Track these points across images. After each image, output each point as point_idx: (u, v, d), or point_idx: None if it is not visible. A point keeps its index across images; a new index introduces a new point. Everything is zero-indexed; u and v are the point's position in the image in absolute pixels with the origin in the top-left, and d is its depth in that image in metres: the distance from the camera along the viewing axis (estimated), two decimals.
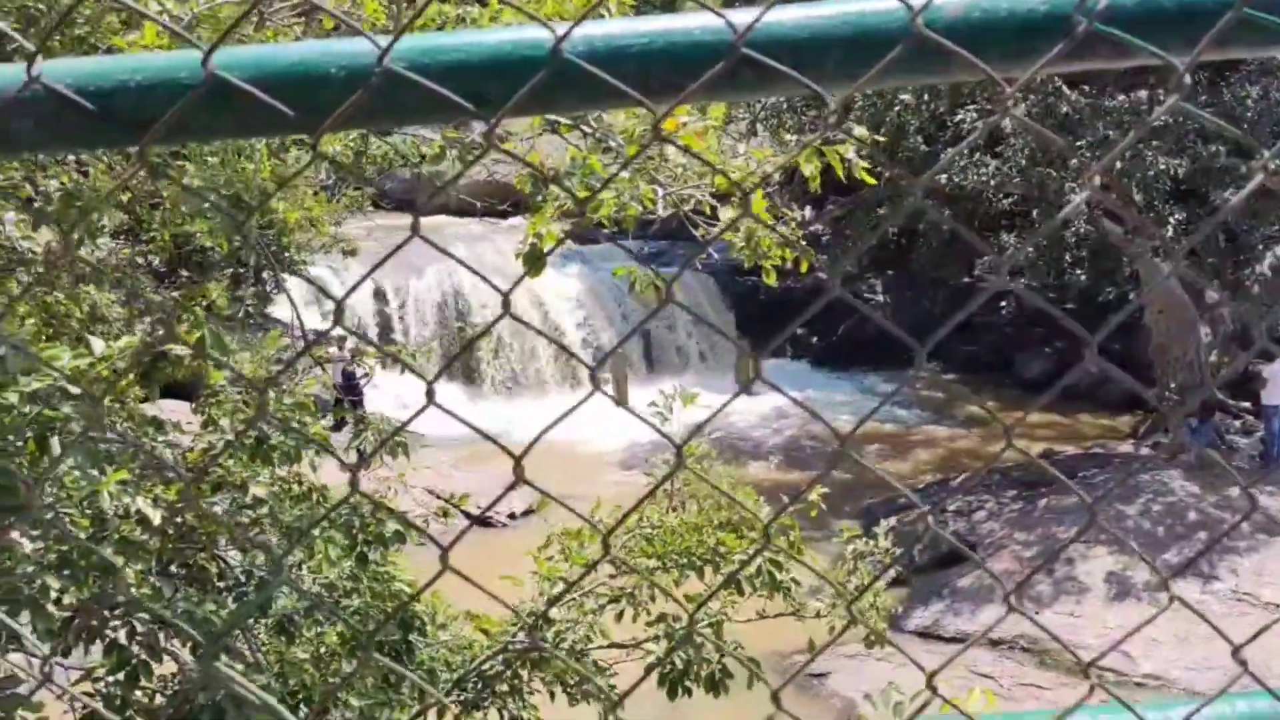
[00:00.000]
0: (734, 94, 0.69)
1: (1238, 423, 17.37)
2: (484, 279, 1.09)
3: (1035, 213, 17.32)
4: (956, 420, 18.92)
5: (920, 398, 19.85)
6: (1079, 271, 17.90)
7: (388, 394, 14.28)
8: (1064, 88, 15.37)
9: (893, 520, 9.94)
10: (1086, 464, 16.14)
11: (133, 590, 3.38)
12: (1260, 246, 17.25)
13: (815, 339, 21.32)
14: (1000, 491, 15.42)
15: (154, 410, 4.84)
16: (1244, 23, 0.64)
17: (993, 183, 16.87)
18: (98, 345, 3.25)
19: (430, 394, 0.85)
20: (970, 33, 0.67)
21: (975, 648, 11.32)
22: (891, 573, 11.82)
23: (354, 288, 0.97)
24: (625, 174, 2.95)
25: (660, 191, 3.11)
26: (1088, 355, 0.75)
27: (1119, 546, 12.39)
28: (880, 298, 21.52)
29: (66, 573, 3.03)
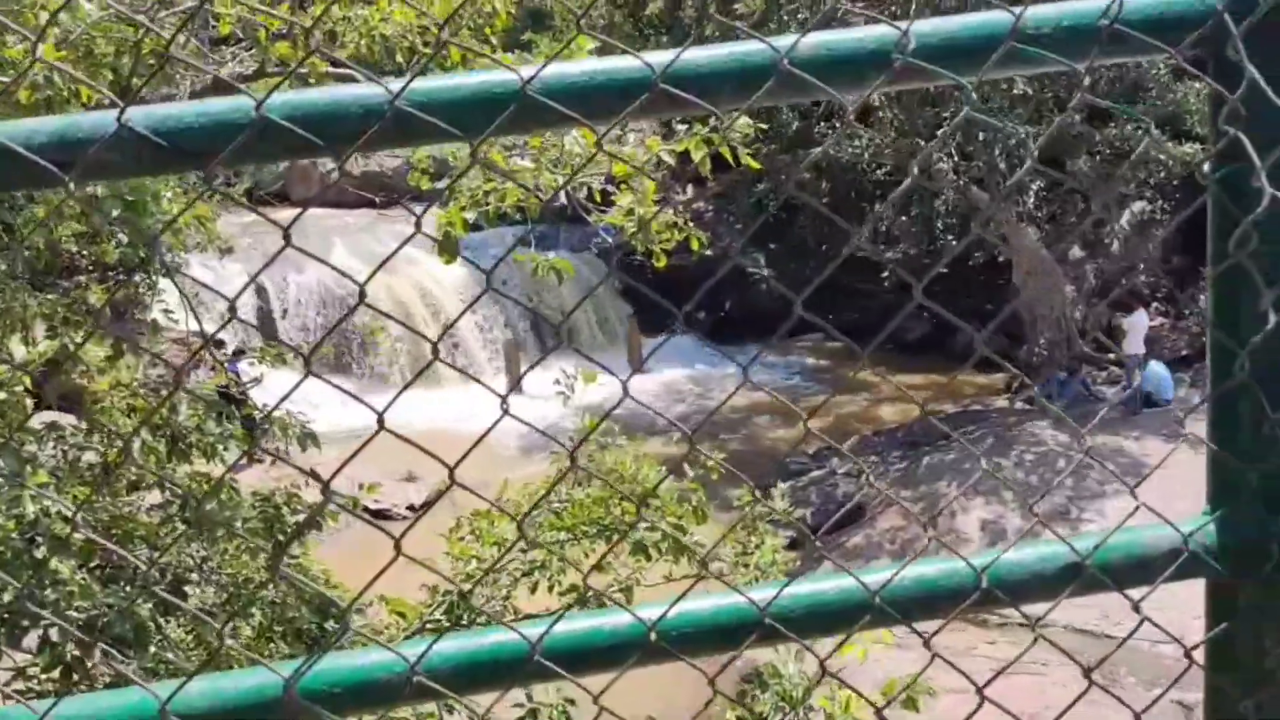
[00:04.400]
0: (655, 114, 0.92)
1: (1103, 374, 18.38)
2: (342, 273, 1.28)
3: (907, 179, 17.98)
4: (842, 386, 19.55)
5: (806, 366, 20.44)
6: (950, 237, 18.74)
7: (272, 393, 14.13)
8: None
9: (785, 486, 10.35)
10: (965, 421, 16.95)
11: (65, 587, 3.47)
12: (1117, 204, 18.29)
13: (703, 314, 21.73)
14: (886, 452, 16.10)
15: (48, 418, 4.87)
16: (1012, 53, 0.91)
17: (866, 155, 17.50)
18: (19, 351, 3.33)
19: (381, 415, 1.05)
20: (821, 66, 0.92)
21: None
22: (785, 537, 12.28)
23: (243, 290, 1.14)
24: (529, 164, 3.18)
25: (558, 180, 3.34)
26: (914, 292, 0.99)
27: (994, 496, 13.09)
28: (763, 270, 22.05)
29: (5, 569, 3.12)
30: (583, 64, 0.89)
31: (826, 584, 1.01)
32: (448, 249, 2.95)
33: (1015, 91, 16.34)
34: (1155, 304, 19.26)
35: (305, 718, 0.91)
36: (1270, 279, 0.91)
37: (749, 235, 20.95)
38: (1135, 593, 1.03)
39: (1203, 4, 0.92)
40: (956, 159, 17.41)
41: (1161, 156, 16.70)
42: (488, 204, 3.29)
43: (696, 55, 0.91)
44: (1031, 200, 17.23)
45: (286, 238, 0.97)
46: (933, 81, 0.92)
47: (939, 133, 15.98)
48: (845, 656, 4.49)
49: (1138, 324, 16.60)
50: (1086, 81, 0.91)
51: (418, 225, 0.92)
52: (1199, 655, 1.07)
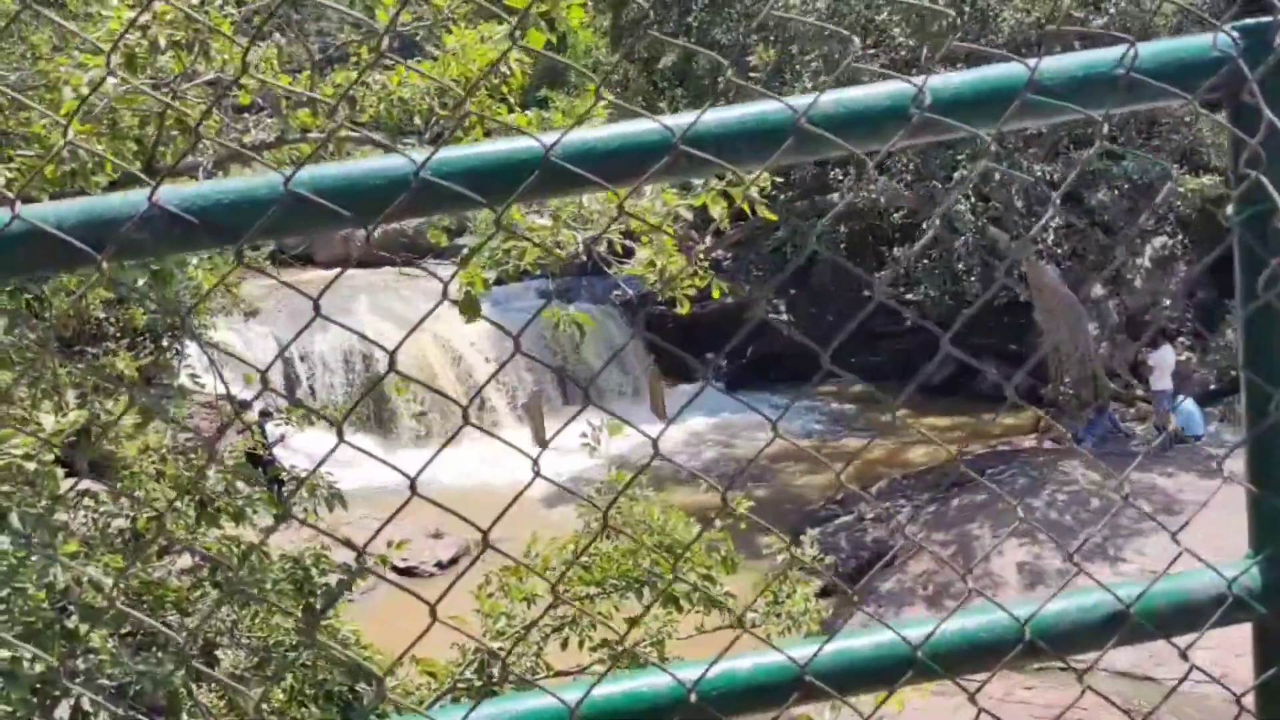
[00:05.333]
0: (675, 177, 0.93)
1: (1131, 410, 18.20)
2: (373, 342, 1.29)
3: (924, 224, 18.04)
4: (867, 431, 19.45)
5: (831, 411, 20.36)
6: (972, 278, 18.69)
7: (300, 453, 14.19)
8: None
9: (815, 532, 10.27)
10: (994, 461, 16.78)
11: (97, 656, 3.47)
12: (1139, 240, 18.23)
13: (725, 362, 21.73)
14: (915, 495, 15.94)
15: (79, 485, 4.90)
16: (1029, 104, 0.91)
17: (882, 199, 17.56)
18: (48, 421, 3.36)
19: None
20: (838, 123, 0.93)
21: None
22: (819, 582, 12.15)
23: (273, 361, 1.16)
24: (546, 222, 3.21)
25: (578, 236, 3.37)
26: (942, 344, 0.99)
27: (1029, 538, 12.92)
28: (784, 316, 22.08)
29: (34, 642, 3.13)
30: (603, 130, 0.91)
31: (865, 640, 1.00)
32: (469, 308, 2.98)
33: (1029, 131, 16.40)
34: (1181, 338, 19.09)
35: None
36: None
37: (772, 285, 21.01)
38: (1181, 639, 1.01)
39: (1218, 50, 0.92)
40: (974, 200, 17.42)
41: (1181, 189, 16.67)
42: (508, 263, 3.33)
43: (715, 117, 0.92)
44: (1051, 237, 17.19)
45: (316, 308, 0.99)
46: (950, 134, 0.93)
47: (955, 175, 16.03)
48: (882, 710, 4.43)
49: (1164, 359, 16.47)
50: (1105, 129, 0.92)
51: (444, 293, 0.93)
52: (1248, 701, 1.05)
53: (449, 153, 0.89)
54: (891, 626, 0.97)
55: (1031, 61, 0.92)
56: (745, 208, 3.50)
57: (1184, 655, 1.01)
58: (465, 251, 3.17)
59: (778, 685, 0.96)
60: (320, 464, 1.16)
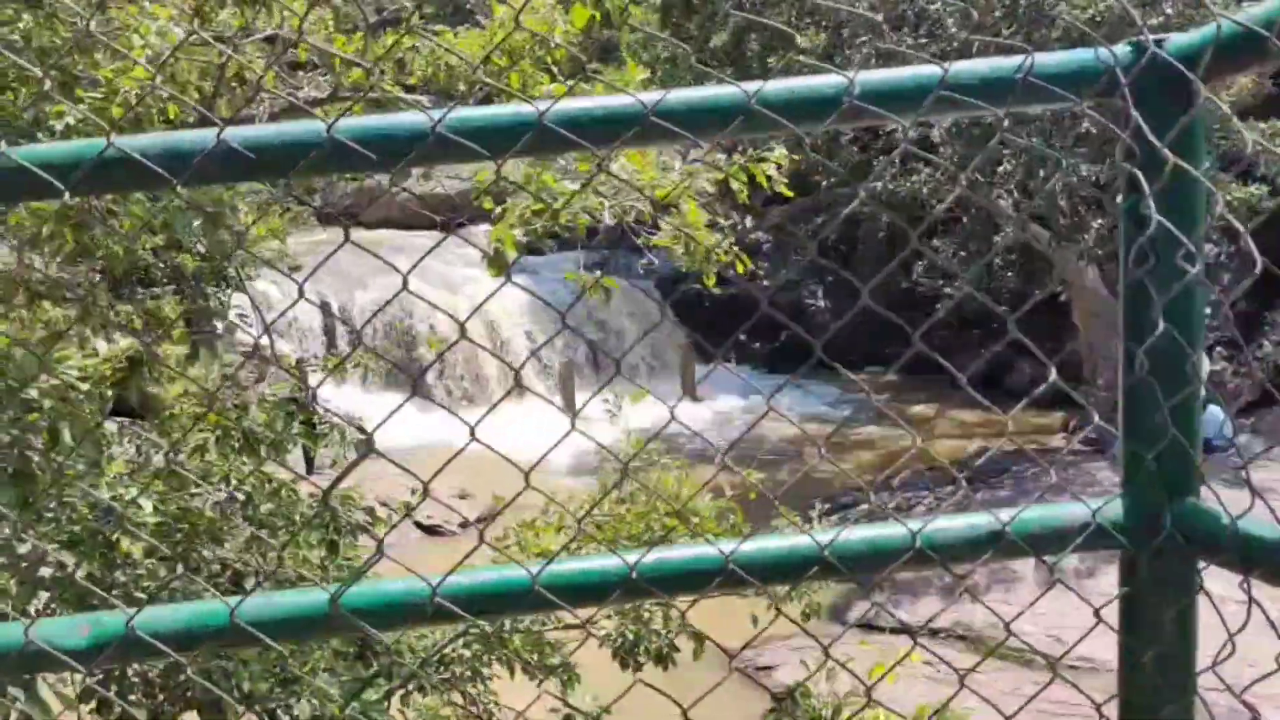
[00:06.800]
0: (648, 144, 1.12)
1: None
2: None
3: (965, 219, 18.04)
4: (894, 420, 19.51)
5: (859, 399, 20.45)
6: (1010, 274, 18.68)
7: (335, 406, 14.53)
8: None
9: (833, 518, 10.44)
10: (1021, 459, 16.84)
11: (134, 570, 3.72)
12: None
13: (759, 344, 21.86)
14: (937, 487, 16.06)
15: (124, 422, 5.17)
16: (943, 99, 1.09)
17: (925, 190, 17.56)
18: (102, 347, 3.61)
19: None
20: (784, 106, 1.11)
21: (914, 637, 11.85)
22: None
23: (295, 301, 1.34)
24: (575, 186, 3.39)
25: (606, 203, 3.56)
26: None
27: None
28: (821, 303, 22.13)
29: (81, 549, 3.39)
30: (589, 100, 1.10)
31: (784, 541, 1.19)
32: (497, 263, 3.16)
33: (1079, 130, 16.34)
34: (1219, 348, 18.96)
35: (346, 629, 1.11)
36: (1161, 291, 1.08)
37: (805, 267, 21.05)
38: (1100, 601, 1.19)
39: (1102, 62, 1.09)
40: (1017, 195, 17.39)
41: (1227, 198, 16.54)
42: (535, 224, 3.51)
43: (681, 95, 1.11)
44: (1092, 239, 17.13)
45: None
46: (877, 121, 1.11)
47: (998, 170, 16.01)
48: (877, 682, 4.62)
49: (1199, 368, 16.38)
50: (1006, 123, 1.09)
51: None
52: (1109, 615, 1.22)
53: (461, 112, 1.09)
54: (805, 530, 1.15)
55: (946, 64, 1.10)
56: (765, 186, 3.67)
57: (1051, 570, 1.19)
58: (497, 211, 3.37)
59: (706, 570, 1.15)
60: (388, 418, 1.30)
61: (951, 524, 1.20)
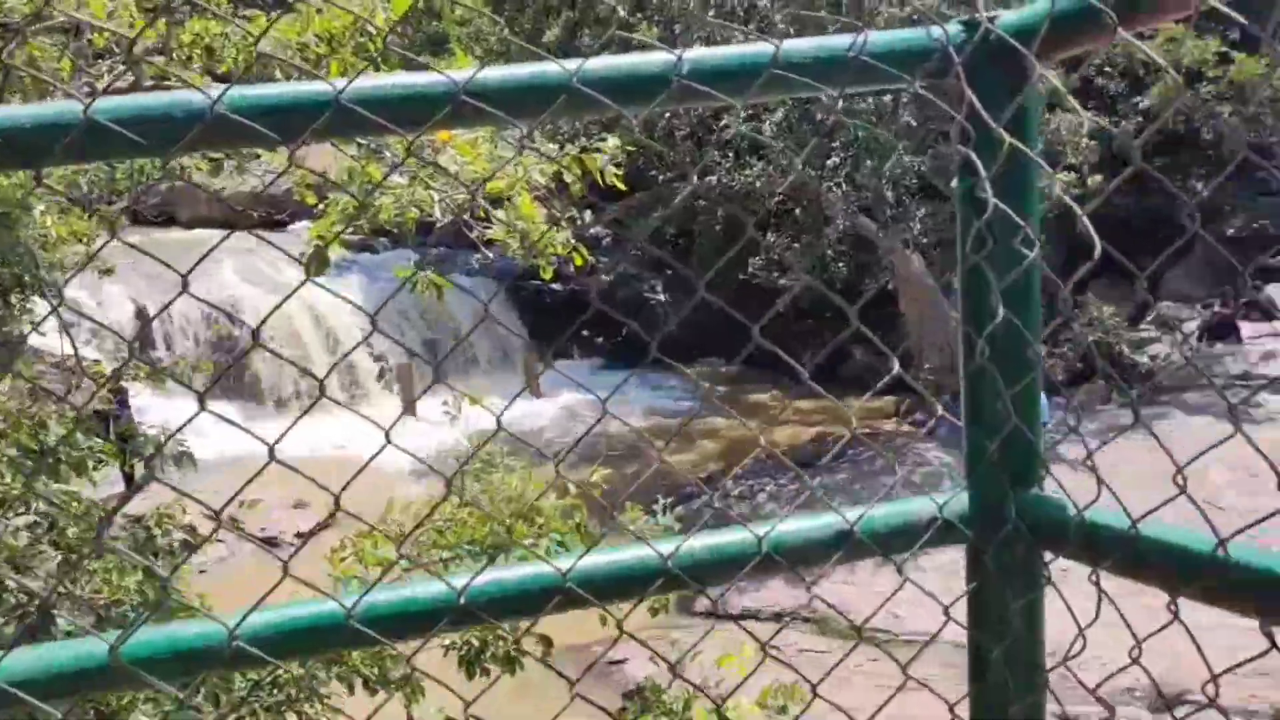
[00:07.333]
0: (462, 125, 1.02)
1: None
2: (231, 317, 1.33)
3: (798, 211, 18.49)
4: (737, 412, 19.84)
5: (704, 392, 20.71)
6: (841, 265, 19.24)
7: (154, 416, 13.78)
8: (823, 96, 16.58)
9: (680, 509, 10.48)
10: (856, 443, 17.39)
11: None
12: None
13: (600, 339, 21.85)
14: (778, 474, 16.42)
15: None
16: (774, 79, 1.03)
17: (758, 183, 17.90)
18: None
19: (203, 404, 1.12)
20: (609, 85, 1.03)
21: (759, 621, 12.06)
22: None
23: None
24: (403, 180, 3.24)
25: (436, 197, 3.41)
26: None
27: None
28: (661, 297, 22.30)
29: None
30: (393, 78, 0.99)
31: (626, 553, 1.11)
32: (315, 262, 2.98)
33: (901, 122, 16.97)
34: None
35: (130, 682, 0.97)
36: (1000, 276, 1.05)
37: (644, 261, 21.18)
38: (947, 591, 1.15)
39: (934, 41, 1.05)
40: (846, 188, 17.92)
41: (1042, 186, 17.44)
42: (361, 220, 3.34)
43: (498, 73, 1.02)
44: (917, 227, 17.80)
45: (185, 284, 1.03)
46: (707, 101, 1.04)
47: (827, 163, 16.47)
48: (724, 669, 4.63)
49: (1040, 355, 17.23)
50: (840, 105, 1.04)
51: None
52: (958, 613, 1.19)
53: (246, 90, 0.97)
54: (647, 540, 1.08)
55: (778, 42, 1.04)
56: (598, 178, 3.59)
57: (899, 569, 1.15)
58: (320, 207, 3.19)
59: (542, 590, 1.06)
60: (181, 428, 1.19)
61: (798, 526, 1.15)
